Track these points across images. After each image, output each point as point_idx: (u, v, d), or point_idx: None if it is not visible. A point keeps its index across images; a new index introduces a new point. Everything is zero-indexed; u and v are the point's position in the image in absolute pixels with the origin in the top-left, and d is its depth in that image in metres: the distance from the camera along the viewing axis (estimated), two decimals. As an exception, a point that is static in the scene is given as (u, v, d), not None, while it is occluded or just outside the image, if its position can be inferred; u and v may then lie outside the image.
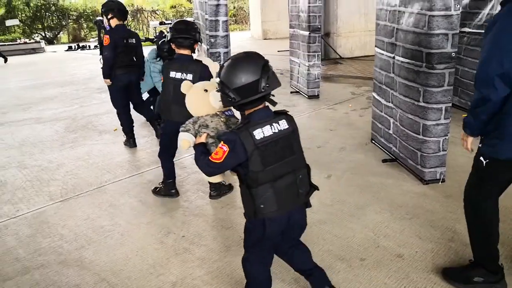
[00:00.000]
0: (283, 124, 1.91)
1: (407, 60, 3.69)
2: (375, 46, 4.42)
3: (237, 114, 2.32)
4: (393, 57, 3.96)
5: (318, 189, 2.09)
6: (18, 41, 21.65)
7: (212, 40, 4.01)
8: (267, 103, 1.95)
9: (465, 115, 2.20)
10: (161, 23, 19.68)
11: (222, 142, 1.89)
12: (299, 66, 7.27)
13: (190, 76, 3.26)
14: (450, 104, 3.48)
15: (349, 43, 11.29)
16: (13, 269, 2.78)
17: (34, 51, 19.27)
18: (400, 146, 4.00)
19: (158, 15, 26.68)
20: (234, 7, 28.69)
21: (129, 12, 26.74)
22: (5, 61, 15.92)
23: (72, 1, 25.67)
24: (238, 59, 1.90)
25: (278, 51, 13.44)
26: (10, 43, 21.03)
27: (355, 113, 6.07)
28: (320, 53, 6.89)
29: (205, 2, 3.92)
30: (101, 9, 4.72)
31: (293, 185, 1.96)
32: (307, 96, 7.03)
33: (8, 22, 18.03)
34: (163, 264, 2.75)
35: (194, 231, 3.12)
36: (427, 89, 3.43)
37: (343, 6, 10.94)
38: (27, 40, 21.31)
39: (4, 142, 5.50)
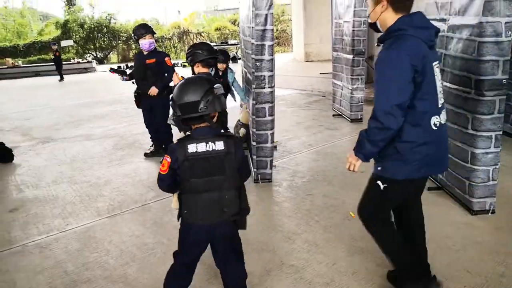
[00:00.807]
0: (219, 145, 2.10)
1: (455, 86, 3.61)
2: (422, 71, 4.36)
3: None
4: (441, 83, 3.87)
5: (248, 213, 2.24)
6: (72, 60, 22.93)
7: (258, 64, 4.09)
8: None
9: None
10: None
11: (166, 154, 2.15)
12: (342, 89, 7.25)
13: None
14: (501, 132, 3.36)
15: (393, 66, 11.14)
16: (61, 281, 2.90)
17: (86, 70, 20.36)
18: (447, 174, 3.88)
19: (203, 37, 27.51)
20: (277, 30, 29.10)
21: (176, 34, 27.80)
22: (61, 79, 16.86)
23: (122, 23, 26.94)
24: (188, 80, 2.17)
25: (320, 73, 13.45)
26: (65, 62, 22.27)
27: (399, 137, 5.95)
28: (363, 77, 6.85)
29: (252, 28, 4.02)
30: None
31: (217, 202, 2.13)
32: (349, 120, 6.98)
33: (64, 43, 19.22)
34: (202, 285, 2.78)
35: (235, 253, 3.14)
36: (476, 116, 3.33)
37: (388, 29, 10.85)
38: (80, 60, 22.53)
39: (57, 157, 5.80)
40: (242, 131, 5.48)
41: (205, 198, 2.12)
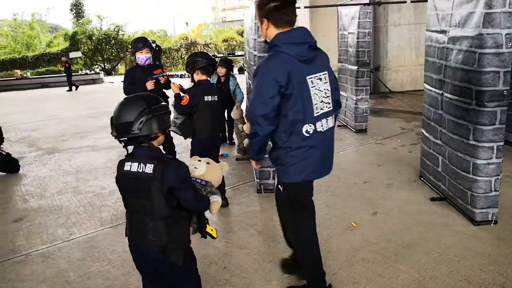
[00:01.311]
0: (148, 168, 1.92)
1: (456, 97, 3.62)
2: (424, 82, 4.38)
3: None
4: (442, 94, 3.89)
5: (182, 249, 2.03)
6: (80, 72, 23.23)
7: (260, 75, 4.13)
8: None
9: None
10: (214, 56, 20.43)
11: None
12: (346, 100, 7.27)
13: (216, 98, 3.95)
14: (502, 143, 3.36)
15: (399, 77, 11.18)
16: (63, 290, 2.92)
17: (93, 81, 20.61)
18: (449, 185, 3.87)
19: (210, 48, 27.74)
20: (284, 41, 29.19)
21: (183, 45, 28.05)
22: (70, 89, 17.08)
23: (130, 35, 27.25)
24: (125, 100, 2.01)
25: (325, 84, 13.50)
26: (73, 74, 22.56)
27: (404, 148, 5.95)
28: (368, 88, 6.88)
29: (254, 40, 4.07)
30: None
31: (143, 227, 1.98)
32: (354, 130, 6.99)
33: (72, 54, 19.50)
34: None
35: (236, 263, 3.15)
36: (477, 127, 3.34)
37: (394, 40, 10.92)
38: (87, 71, 22.79)
39: (62, 168, 5.85)
40: (246, 141, 5.51)
41: (133, 219, 2.04)
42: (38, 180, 5.42)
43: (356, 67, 6.65)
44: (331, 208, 4.02)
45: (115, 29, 27.33)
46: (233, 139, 6.63)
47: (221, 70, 6.10)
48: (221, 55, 22.96)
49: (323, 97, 2.41)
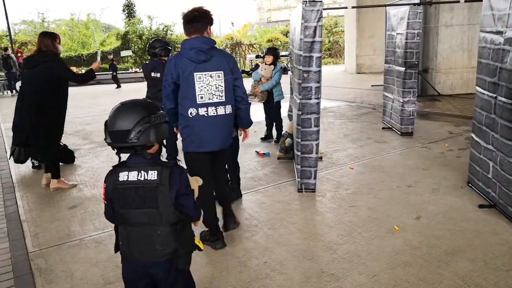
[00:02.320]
0: (151, 175, 1.85)
1: (510, 101, 3.49)
2: (476, 85, 4.24)
3: None
4: (495, 97, 3.77)
5: (188, 252, 2.00)
6: (130, 70, 24.10)
7: (305, 75, 4.16)
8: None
9: None
10: (257, 57, 20.60)
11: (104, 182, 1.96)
12: (392, 102, 7.14)
13: None
14: (560, 150, 3.21)
15: (449, 80, 10.82)
16: (114, 274, 3.09)
17: (142, 79, 21.22)
18: (500, 192, 3.74)
19: (255, 48, 27.94)
20: (329, 41, 29.04)
21: (228, 45, 28.48)
22: (117, 87, 17.80)
23: (178, 35, 27.94)
24: (122, 105, 1.92)
25: (371, 85, 13.29)
26: (123, 71, 23.48)
27: (452, 153, 5.78)
28: (416, 90, 6.72)
29: (301, 40, 4.11)
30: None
31: (148, 238, 1.90)
32: (399, 133, 6.85)
33: (123, 53, 20.23)
34: (244, 286, 2.86)
35: (276, 259, 3.21)
36: (532, 132, 3.21)
37: (444, 42, 10.58)
38: (137, 70, 23.60)
39: (112, 160, 6.08)
40: (288, 141, 5.56)
41: (134, 232, 1.91)
42: (91, 171, 5.73)
43: (404, 68, 6.51)
44: (373, 211, 3.99)
45: (164, 29, 28.12)
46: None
47: (268, 59, 6.42)
48: (252, 55, 23.19)
49: (214, 90, 3.14)
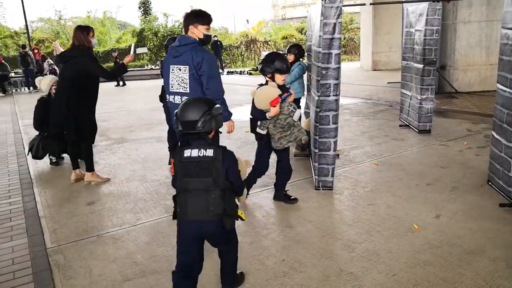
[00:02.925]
0: (209, 152, 2.35)
1: (534, 98, 3.41)
2: (497, 82, 4.15)
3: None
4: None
5: (233, 215, 2.43)
6: (145, 67, 24.25)
7: (324, 72, 4.12)
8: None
9: None
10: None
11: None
12: (410, 99, 7.05)
13: None
14: None
15: (467, 77, 10.64)
16: (132, 271, 3.11)
17: (158, 76, 21.35)
18: (522, 191, 3.67)
19: (270, 45, 27.87)
20: (345, 38, 28.81)
21: (243, 42, 28.49)
22: (118, 84, 17.84)
23: (193, 32, 27.99)
24: (191, 100, 2.46)
25: (388, 82, 13.16)
26: (139, 68, 23.62)
27: (471, 151, 5.69)
28: (434, 87, 6.62)
29: (320, 36, 4.07)
30: None
31: (203, 201, 2.34)
32: (417, 131, 6.77)
33: (138, 50, 20.29)
34: (263, 284, 2.86)
35: (294, 257, 3.19)
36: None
37: (462, 39, 10.41)
38: (153, 67, 23.78)
39: (130, 157, 6.21)
40: (305, 138, 5.51)
41: (193, 197, 2.35)
42: (108, 167, 5.78)
43: (422, 65, 6.42)
44: (392, 209, 3.95)
45: (179, 26, 28.22)
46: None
47: (290, 57, 6.01)
48: (280, 51, 22.98)
49: (180, 81, 3.58)
